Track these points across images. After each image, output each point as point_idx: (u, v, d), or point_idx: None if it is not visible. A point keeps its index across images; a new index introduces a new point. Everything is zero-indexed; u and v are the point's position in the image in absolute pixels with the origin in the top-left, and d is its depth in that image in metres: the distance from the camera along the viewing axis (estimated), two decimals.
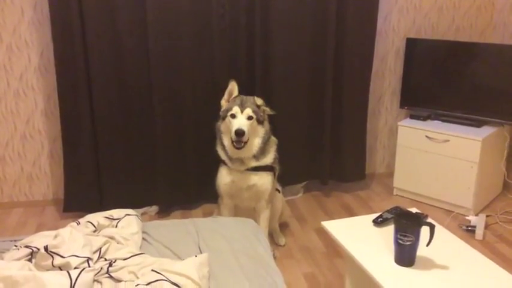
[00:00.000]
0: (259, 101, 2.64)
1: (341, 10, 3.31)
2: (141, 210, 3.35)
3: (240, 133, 2.47)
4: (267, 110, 2.66)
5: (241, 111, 2.54)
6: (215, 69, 3.24)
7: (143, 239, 2.07)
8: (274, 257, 2.81)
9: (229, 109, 2.58)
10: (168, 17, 3.06)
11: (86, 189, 3.26)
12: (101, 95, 3.13)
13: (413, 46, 3.60)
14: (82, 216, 2.31)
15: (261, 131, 2.61)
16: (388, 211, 2.16)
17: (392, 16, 3.67)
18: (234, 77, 2.74)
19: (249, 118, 2.55)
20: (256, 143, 2.60)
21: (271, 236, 3.01)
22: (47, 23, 3.08)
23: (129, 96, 3.20)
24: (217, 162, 2.75)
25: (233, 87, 2.67)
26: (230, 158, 2.65)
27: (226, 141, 2.61)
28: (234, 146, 2.54)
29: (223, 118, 2.62)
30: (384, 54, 3.73)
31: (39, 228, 3.20)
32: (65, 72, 3.04)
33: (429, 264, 1.81)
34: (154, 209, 3.42)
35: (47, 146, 3.39)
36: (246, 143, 2.53)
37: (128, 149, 3.29)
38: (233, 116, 2.55)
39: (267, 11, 3.19)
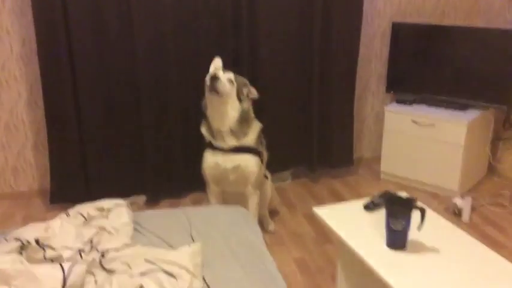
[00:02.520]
0: (244, 80, 2.65)
1: None
2: (129, 200, 3.30)
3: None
4: (253, 91, 2.66)
5: (223, 72, 2.55)
6: (201, 58, 3.20)
7: (134, 229, 2.04)
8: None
9: (210, 73, 2.56)
10: (153, 8, 3.01)
11: (72, 179, 3.23)
12: (86, 84, 3.08)
13: (398, 30, 3.60)
14: (69, 207, 2.27)
15: (238, 105, 2.60)
16: (378, 196, 2.17)
17: (378, 0, 3.66)
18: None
19: (229, 81, 2.55)
20: (231, 114, 2.58)
21: (261, 223, 3.01)
22: (28, 10, 3.00)
23: (114, 84, 3.15)
24: (205, 146, 2.74)
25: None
26: (212, 133, 2.65)
27: (209, 109, 2.59)
28: (208, 89, 2.52)
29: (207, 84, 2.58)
30: (369, 38, 3.73)
31: (26, 220, 3.16)
32: (48, 60, 2.99)
33: (421, 248, 1.83)
34: (142, 198, 3.40)
35: (31, 136, 3.34)
36: (220, 92, 2.50)
37: (114, 138, 3.26)
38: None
39: None
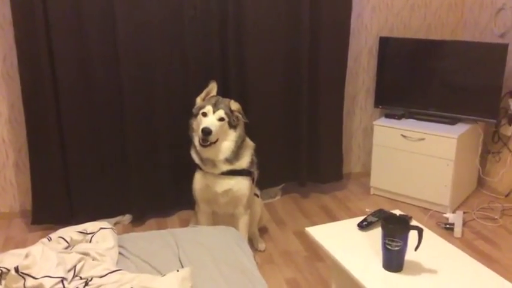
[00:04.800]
0: (234, 105, 2.58)
1: (315, 10, 3.27)
2: (113, 220, 3.23)
3: (207, 132, 2.42)
4: (240, 116, 2.60)
5: (214, 112, 2.50)
6: (188, 73, 3.15)
7: (120, 253, 1.97)
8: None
9: (202, 107, 2.53)
10: (138, 19, 2.95)
11: (54, 199, 3.12)
12: (68, 101, 2.99)
13: (386, 45, 3.59)
14: (51, 228, 2.19)
15: (233, 135, 2.56)
16: (372, 214, 2.12)
17: (365, 15, 3.65)
18: (208, 79, 2.69)
19: (220, 119, 2.50)
20: (227, 146, 2.54)
21: (251, 242, 2.94)
22: (9, 26, 2.92)
23: (98, 101, 3.07)
24: (193, 167, 2.69)
25: (212, 87, 2.64)
26: (202, 160, 2.59)
27: (196, 140, 2.54)
28: (200, 144, 2.49)
29: (196, 115, 2.56)
30: (357, 53, 3.71)
31: (7, 241, 3.06)
32: (30, 77, 2.89)
33: (418, 269, 1.77)
34: (127, 218, 3.30)
35: (12, 155, 3.23)
36: (213, 143, 2.48)
37: (98, 156, 3.16)
38: (204, 115, 2.50)
39: (239, 12, 3.12)
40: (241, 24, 3.15)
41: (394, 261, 1.75)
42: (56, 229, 2.11)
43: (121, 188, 3.24)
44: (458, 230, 3.06)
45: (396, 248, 1.71)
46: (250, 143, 2.69)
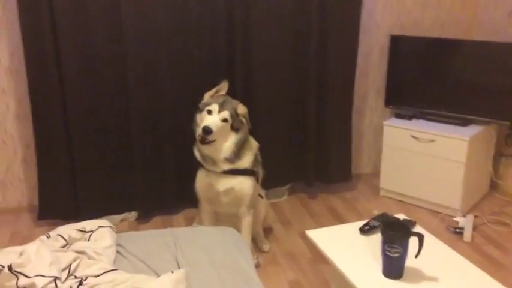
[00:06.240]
0: (241, 109, 2.55)
1: (324, 7, 3.22)
2: (119, 217, 3.23)
3: (207, 130, 2.40)
4: (244, 121, 2.56)
5: (219, 111, 2.47)
6: (194, 72, 3.13)
7: (117, 252, 1.95)
8: (258, 264, 2.72)
9: (208, 104, 2.51)
10: (144, 16, 2.94)
11: (61, 195, 3.13)
12: (75, 98, 2.99)
13: (397, 43, 3.52)
14: (58, 224, 2.19)
15: (233, 137, 2.52)
16: (374, 218, 2.07)
17: (376, 12, 3.58)
18: (215, 77, 2.66)
19: (224, 120, 2.47)
20: (226, 146, 2.51)
21: (255, 242, 2.92)
22: (17, 23, 2.93)
23: (105, 98, 3.06)
24: (198, 165, 2.66)
25: (223, 86, 2.63)
26: (203, 158, 2.57)
27: (197, 135, 2.52)
28: (198, 140, 2.47)
29: (201, 111, 2.54)
30: (367, 51, 3.65)
31: (13, 236, 3.09)
32: (36, 74, 2.90)
33: (418, 276, 1.72)
34: (133, 215, 3.30)
35: (20, 151, 3.25)
36: (212, 142, 2.46)
37: (105, 152, 3.16)
38: (209, 112, 2.48)
39: (247, 10, 3.09)
40: (249, 21, 3.11)
41: (393, 268, 1.70)
42: (62, 225, 2.10)
43: (127, 185, 3.23)
44: (468, 234, 2.99)
45: (396, 255, 1.67)
46: (253, 143, 2.65)
